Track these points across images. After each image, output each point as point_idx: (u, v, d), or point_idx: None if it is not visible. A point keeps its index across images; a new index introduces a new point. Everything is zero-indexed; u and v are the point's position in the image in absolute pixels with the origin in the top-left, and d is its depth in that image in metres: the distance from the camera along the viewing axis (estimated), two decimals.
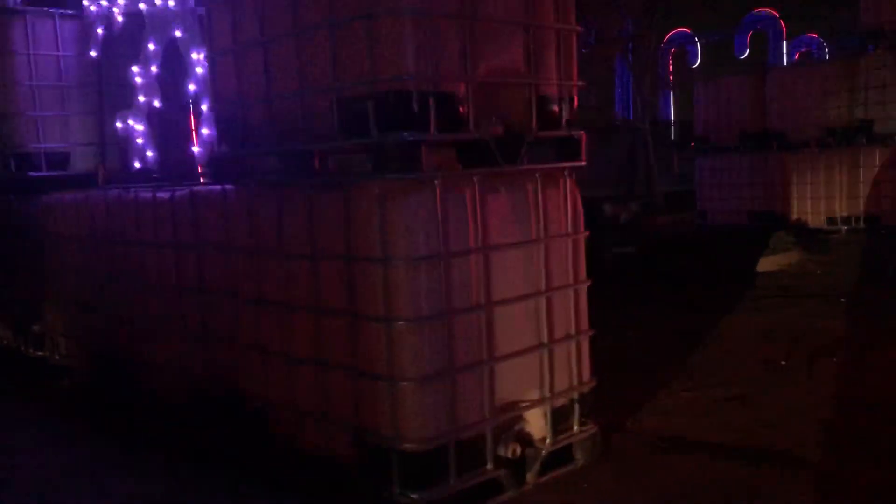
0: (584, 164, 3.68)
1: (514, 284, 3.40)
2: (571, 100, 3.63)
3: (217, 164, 3.88)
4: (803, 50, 28.33)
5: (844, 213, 12.64)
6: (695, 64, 30.04)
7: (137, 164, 6.18)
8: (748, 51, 29.68)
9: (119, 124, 6.09)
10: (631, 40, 19.80)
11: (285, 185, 3.52)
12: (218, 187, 3.87)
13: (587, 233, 3.75)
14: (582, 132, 3.65)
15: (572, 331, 3.68)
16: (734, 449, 3.89)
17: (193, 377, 4.28)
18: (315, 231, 3.33)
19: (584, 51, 21.67)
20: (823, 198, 12.80)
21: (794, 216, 13.23)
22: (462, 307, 3.17)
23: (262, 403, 3.78)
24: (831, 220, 12.77)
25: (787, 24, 29.15)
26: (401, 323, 3.04)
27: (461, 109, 3.16)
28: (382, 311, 3.06)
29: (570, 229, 3.64)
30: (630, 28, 20.38)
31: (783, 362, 5.33)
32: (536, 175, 3.47)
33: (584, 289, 3.75)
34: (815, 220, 12.97)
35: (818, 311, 6.95)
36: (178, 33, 5.41)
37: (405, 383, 3.06)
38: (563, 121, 3.58)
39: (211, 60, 3.86)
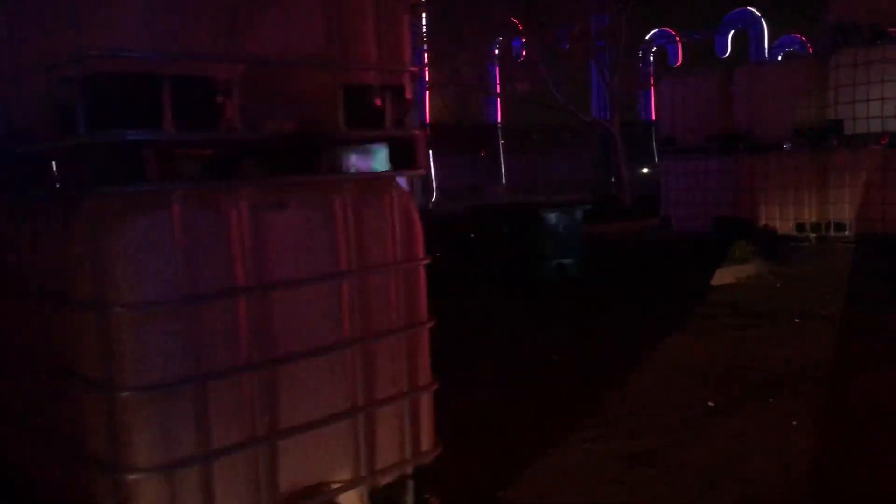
0: (421, 172, 2.86)
1: (311, 332, 2.57)
2: (401, 91, 2.81)
3: None
4: (788, 50, 27.76)
5: (814, 220, 11.91)
6: (676, 64, 29.42)
7: None
8: (730, 50, 29.07)
9: None
10: (601, 37, 19.02)
11: (15, 201, 2.68)
12: None
13: (428, 259, 2.92)
14: (417, 132, 2.83)
15: (405, 387, 2.85)
16: None
17: None
18: (40, 263, 2.50)
19: (565, 48, 20.94)
20: (792, 203, 12.07)
21: (763, 222, 12.48)
22: (222, 368, 2.33)
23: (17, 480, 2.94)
24: (800, 227, 12.03)
25: (769, 24, 28.56)
26: (125, 394, 2.21)
27: (220, 100, 2.33)
28: (100, 375, 2.23)
29: (400, 255, 2.81)
30: (606, 22, 19.62)
31: (711, 403, 4.52)
32: (346, 186, 2.64)
33: (424, 332, 2.93)
34: (784, 226, 12.23)
35: (768, 335, 6.16)
36: None
37: (133, 476, 2.22)
38: (389, 117, 2.75)
39: None
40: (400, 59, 2.80)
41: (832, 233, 11.71)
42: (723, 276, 8.60)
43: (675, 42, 29.94)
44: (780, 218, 12.25)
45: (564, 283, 8.19)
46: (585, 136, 25.03)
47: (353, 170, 2.68)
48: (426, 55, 21.62)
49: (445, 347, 5.92)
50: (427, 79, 22.11)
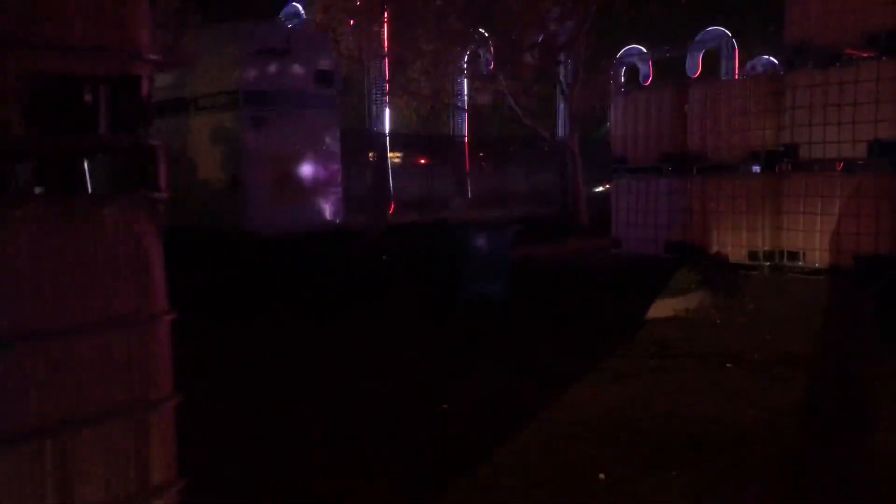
0: (161, 195, 2.12)
1: None
2: (133, 84, 2.07)
3: None
4: (760, 70, 27.53)
5: (767, 248, 11.30)
6: (646, 82, 29.07)
7: None
8: (700, 69, 28.80)
9: None
10: (560, 50, 18.44)
11: None
12: None
13: (173, 314, 2.17)
14: (157, 143, 2.09)
15: (127, 490, 2.09)
16: None
17: None
18: None
19: (532, 62, 20.33)
20: (745, 230, 11.46)
21: (714, 249, 11.86)
22: None
23: None
24: (753, 255, 11.42)
25: (741, 44, 28.37)
26: None
27: None
28: None
29: (121, 309, 2.06)
30: (564, 34, 19.03)
31: (602, 476, 3.81)
32: (25, 214, 1.89)
33: (165, 410, 2.18)
34: (736, 253, 11.61)
35: (691, 384, 5.46)
36: None
37: None
38: (105, 120, 2.01)
39: None
40: (130, 39, 2.06)
41: (786, 262, 11.12)
42: (660, 309, 7.93)
43: (646, 59, 29.63)
44: (732, 245, 11.64)
45: (482, 314, 7.46)
46: (550, 152, 24.55)
47: (40, 190, 1.94)
48: (387, 64, 20.96)
49: (304, 392, 5.21)
50: (387, 88, 21.45)
